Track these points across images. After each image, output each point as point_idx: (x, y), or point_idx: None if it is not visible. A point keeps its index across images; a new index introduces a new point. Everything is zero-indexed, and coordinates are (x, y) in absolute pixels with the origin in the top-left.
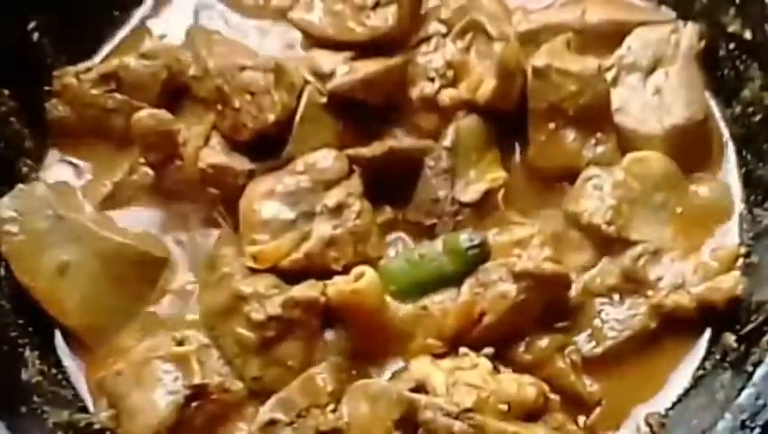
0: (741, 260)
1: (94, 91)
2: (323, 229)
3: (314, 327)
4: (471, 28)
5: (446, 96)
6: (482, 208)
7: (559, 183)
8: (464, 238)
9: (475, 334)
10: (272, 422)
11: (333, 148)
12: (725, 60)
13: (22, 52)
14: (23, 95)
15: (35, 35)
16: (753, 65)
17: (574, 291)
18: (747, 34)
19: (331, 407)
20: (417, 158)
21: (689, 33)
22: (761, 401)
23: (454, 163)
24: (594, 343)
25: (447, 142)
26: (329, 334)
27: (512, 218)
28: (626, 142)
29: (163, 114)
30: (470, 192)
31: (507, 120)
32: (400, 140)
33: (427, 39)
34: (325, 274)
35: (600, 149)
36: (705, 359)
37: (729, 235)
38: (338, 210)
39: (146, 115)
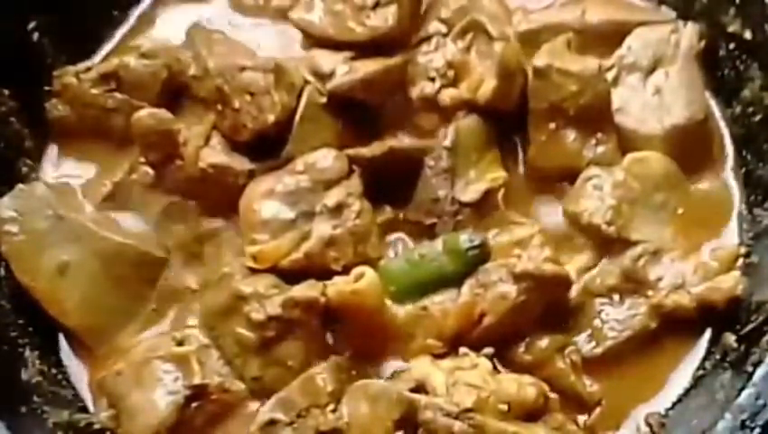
0: (741, 260)
1: (94, 91)
2: (322, 229)
3: (314, 327)
4: (471, 28)
5: (446, 96)
6: (482, 208)
7: (559, 183)
8: (464, 238)
9: (475, 335)
10: (272, 422)
11: (333, 148)
12: (725, 60)
13: (22, 52)
14: (23, 95)
15: (35, 35)
16: (753, 65)
17: (574, 291)
18: (747, 34)
19: (331, 407)
20: (417, 158)
21: (689, 33)
22: (761, 401)
23: (454, 163)
24: (594, 343)
25: (447, 142)
26: (329, 335)
27: (512, 218)
28: (626, 142)
29: (164, 114)
30: (470, 191)
31: (507, 120)
32: (400, 140)
33: (427, 39)
34: (325, 274)
35: (600, 149)
36: (705, 359)
37: (729, 235)
38: (338, 210)
39: (146, 114)
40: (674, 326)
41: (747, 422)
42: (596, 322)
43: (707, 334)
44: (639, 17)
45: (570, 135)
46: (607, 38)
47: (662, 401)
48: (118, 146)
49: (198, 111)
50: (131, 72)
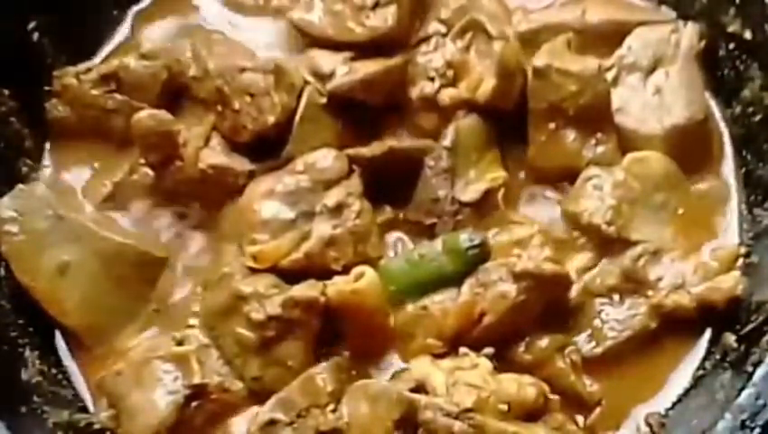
0: (741, 260)
1: (94, 92)
2: (322, 229)
3: (314, 327)
4: (471, 28)
5: (446, 95)
6: (482, 208)
7: (559, 183)
8: (464, 238)
9: (475, 335)
10: (272, 422)
11: (333, 148)
12: (725, 60)
13: (22, 52)
14: (23, 95)
15: (35, 35)
16: (753, 65)
17: (574, 291)
18: (747, 34)
19: (331, 407)
20: (417, 158)
21: (689, 33)
22: (761, 401)
23: (454, 162)
24: (594, 343)
25: (447, 142)
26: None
27: (512, 218)
28: (626, 142)
29: (164, 114)
30: (470, 191)
31: (507, 120)
32: (400, 140)
33: (427, 39)
34: (325, 274)
35: (600, 149)
36: (705, 359)
37: (729, 235)
38: (338, 210)
39: (146, 115)
40: (674, 326)
41: (747, 422)
42: (596, 322)
43: (707, 334)
44: (639, 17)
45: (570, 135)
46: (607, 38)
47: (662, 401)
48: (118, 146)
49: (198, 112)
50: (131, 73)
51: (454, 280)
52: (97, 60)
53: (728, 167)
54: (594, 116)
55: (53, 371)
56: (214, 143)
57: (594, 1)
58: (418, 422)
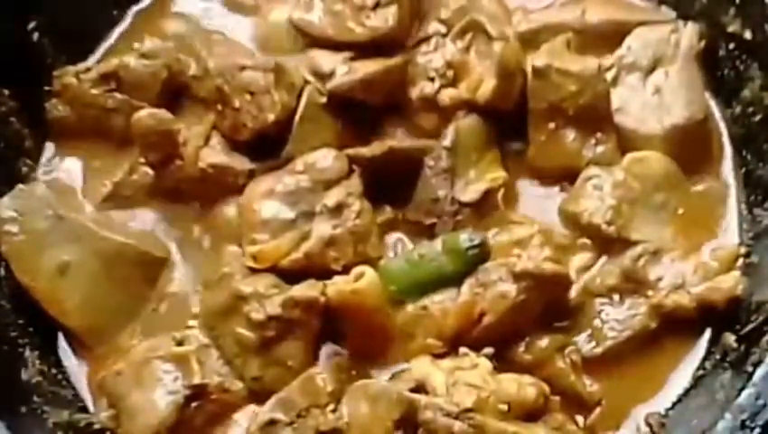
0: (741, 260)
1: (94, 91)
2: (322, 228)
3: (314, 327)
4: (471, 28)
5: (446, 96)
6: (482, 208)
7: (559, 183)
8: (464, 238)
9: (475, 335)
10: (272, 422)
11: (333, 148)
12: (725, 60)
13: (22, 52)
14: (23, 95)
15: (35, 35)
16: (753, 65)
17: (574, 291)
18: (747, 34)
19: (331, 407)
20: (417, 158)
21: (689, 33)
22: (761, 401)
23: (454, 163)
24: (594, 343)
25: (447, 142)
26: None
27: (512, 218)
28: (626, 142)
29: (164, 114)
30: (470, 191)
31: (507, 120)
32: (400, 140)
33: (427, 39)
34: (325, 274)
35: (600, 149)
36: (705, 359)
37: (729, 235)
38: (338, 210)
39: (146, 114)
40: (674, 326)
41: (747, 422)
42: (596, 322)
43: (707, 334)
44: (639, 17)
45: (570, 135)
46: (607, 38)
47: (662, 401)
48: (118, 146)
49: (198, 111)
50: (131, 72)
51: (454, 280)
52: (97, 59)
53: (728, 167)
54: (594, 116)
55: (53, 371)
56: (214, 142)
57: (593, 1)
58: (418, 422)
